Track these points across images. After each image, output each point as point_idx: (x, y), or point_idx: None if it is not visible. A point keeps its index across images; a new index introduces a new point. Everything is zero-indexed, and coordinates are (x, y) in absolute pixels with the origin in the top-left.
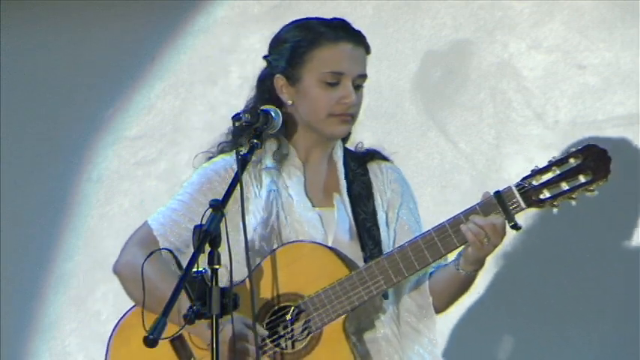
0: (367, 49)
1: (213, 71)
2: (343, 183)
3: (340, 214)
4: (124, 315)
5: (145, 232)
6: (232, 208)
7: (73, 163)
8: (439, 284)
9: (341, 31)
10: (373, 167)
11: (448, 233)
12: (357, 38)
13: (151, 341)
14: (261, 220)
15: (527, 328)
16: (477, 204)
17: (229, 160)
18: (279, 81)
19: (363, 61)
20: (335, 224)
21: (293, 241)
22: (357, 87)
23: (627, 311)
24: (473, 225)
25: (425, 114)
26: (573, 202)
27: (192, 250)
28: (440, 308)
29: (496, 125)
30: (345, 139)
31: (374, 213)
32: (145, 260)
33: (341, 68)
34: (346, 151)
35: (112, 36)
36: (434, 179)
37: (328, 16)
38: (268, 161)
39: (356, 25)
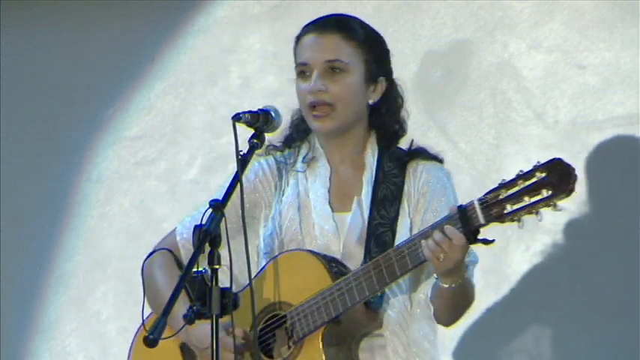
0: (344, 34)
1: (213, 71)
2: (366, 186)
3: (354, 219)
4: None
5: (170, 238)
6: (248, 213)
7: (73, 163)
8: (433, 295)
9: (310, 24)
10: (411, 169)
11: (416, 247)
12: (326, 27)
13: (150, 341)
14: (278, 224)
15: (524, 330)
16: (443, 218)
17: (263, 163)
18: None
19: (332, 47)
20: (346, 229)
21: (291, 250)
22: (334, 73)
23: (627, 311)
24: (431, 241)
25: (425, 114)
26: (537, 218)
27: None
28: (441, 320)
29: (496, 125)
30: (393, 139)
31: (395, 218)
32: (145, 260)
33: (304, 58)
34: (386, 150)
35: (112, 36)
36: None
37: None
38: (299, 165)
39: None
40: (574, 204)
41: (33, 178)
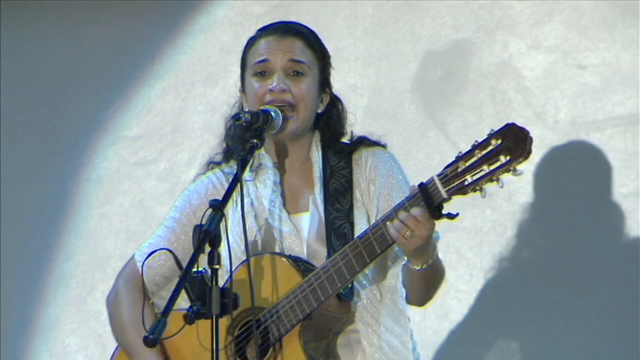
0: (305, 40)
1: (213, 71)
2: (317, 184)
3: (313, 218)
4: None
5: (130, 266)
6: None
7: (73, 163)
8: (405, 279)
9: (267, 27)
10: (356, 158)
11: (382, 230)
12: (285, 29)
13: (150, 341)
14: (238, 235)
15: (524, 330)
16: (406, 198)
17: (212, 177)
18: (242, 95)
19: (295, 49)
20: (307, 229)
21: (256, 254)
22: (296, 75)
23: (627, 311)
24: (397, 222)
25: (425, 114)
26: (498, 185)
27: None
28: (415, 302)
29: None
30: (333, 137)
31: (350, 209)
32: (145, 260)
33: (264, 56)
34: (330, 146)
35: (112, 36)
36: None
37: (328, 16)
38: (246, 174)
39: (356, 25)
40: (574, 204)
41: (33, 178)
